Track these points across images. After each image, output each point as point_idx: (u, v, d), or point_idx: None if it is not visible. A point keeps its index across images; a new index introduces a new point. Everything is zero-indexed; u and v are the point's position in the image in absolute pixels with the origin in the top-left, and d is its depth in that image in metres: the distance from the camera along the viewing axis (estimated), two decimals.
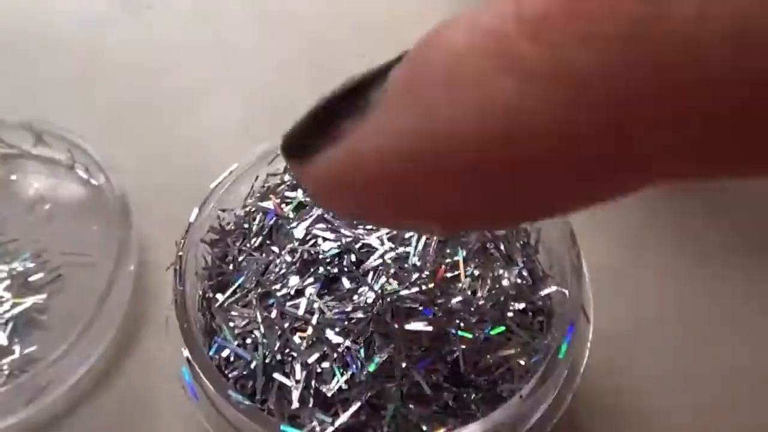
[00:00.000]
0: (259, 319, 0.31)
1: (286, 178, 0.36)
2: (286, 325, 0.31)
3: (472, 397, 0.30)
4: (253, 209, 0.35)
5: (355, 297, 0.32)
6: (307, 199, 0.34)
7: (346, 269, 0.33)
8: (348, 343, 0.30)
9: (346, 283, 0.33)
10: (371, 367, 0.29)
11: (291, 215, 0.34)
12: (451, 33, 0.16)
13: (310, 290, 0.32)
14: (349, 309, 0.31)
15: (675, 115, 0.14)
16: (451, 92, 0.16)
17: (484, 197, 0.17)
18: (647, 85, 0.14)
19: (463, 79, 0.16)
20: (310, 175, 0.20)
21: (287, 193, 0.35)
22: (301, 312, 0.31)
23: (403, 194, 0.18)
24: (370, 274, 0.33)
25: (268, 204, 0.35)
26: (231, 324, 0.31)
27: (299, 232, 0.33)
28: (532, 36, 0.15)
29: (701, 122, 0.14)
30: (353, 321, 0.31)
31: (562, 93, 0.14)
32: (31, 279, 0.41)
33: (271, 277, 0.32)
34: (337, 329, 0.31)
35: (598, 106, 0.14)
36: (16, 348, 0.38)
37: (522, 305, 0.32)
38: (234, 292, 0.32)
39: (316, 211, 0.34)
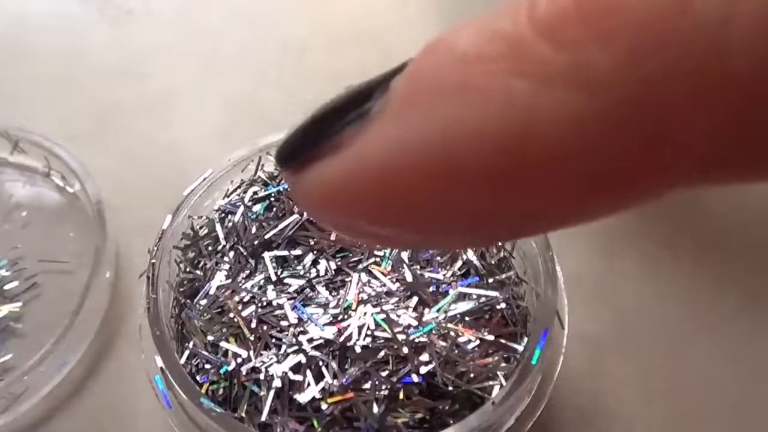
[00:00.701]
0: (232, 326, 0.31)
1: (258, 175, 0.36)
2: (260, 332, 0.31)
3: (447, 408, 0.30)
4: (223, 212, 0.35)
5: (332, 304, 0.32)
6: (279, 199, 0.35)
7: (321, 278, 0.33)
8: (323, 354, 0.30)
9: (323, 291, 0.33)
10: (345, 380, 0.29)
11: (261, 214, 0.34)
12: (456, 39, 0.16)
13: (286, 298, 0.32)
14: (324, 322, 0.31)
15: (694, 115, 0.13)
16: (463, 99, 0.15)
17: (496, 205, 0.16)
18: (666, 84, 0.13)
19: (475, 86, 0.15)
20: (306, 185, 0.19)
21: (259, 194, 0.35)
22: (274, 311, 0.31)
23: (408, 205, 0.17)
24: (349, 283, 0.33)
25: (238, 206, 0.35)
26: (203, 331, 0.31)
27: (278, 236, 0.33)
28: (546, 37, 0.14)
29: (721, 120, 0.13)
30: (329, 332, 0.31)
31: (581, 94, 0.14)
32: (6, 287, 0.40)
33: (241, 283, 0.32)
34: (313, 340, 0.31)
35: (619, 107, 0.14)
36: None
37: (499, 312, 0.32)
38: (206, 299, 0.32)
39: (292, 217, 0.34)
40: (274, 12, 0.56)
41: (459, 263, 0.33)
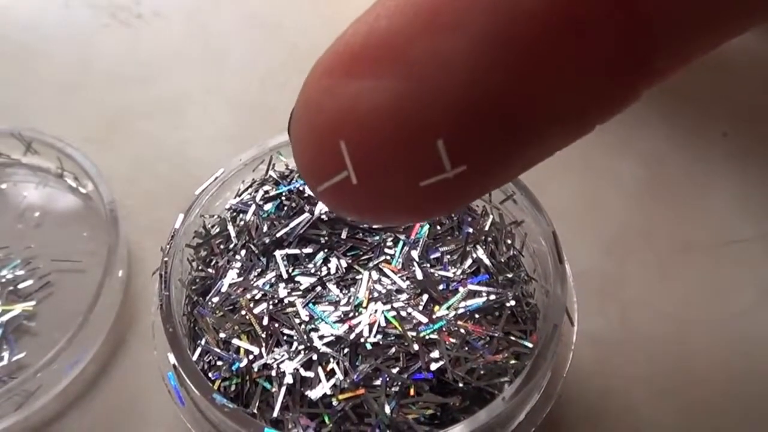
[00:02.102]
0: (244, 323, 0.31)
1: (269, 175, 0.37)
2: (271, 329, 0.31)
3: (457, 404, 0.30)
4: (235, 211, 0.35)
5: (343, 302, 0.32)
6: (290, 198, 0.35)
7: (332, 276, 0.33)
8: (334, 351, 0.31)
9: (334, 289, 0.33)
10: (356, 376, 0.30)
11: (272, 213, 0.35)
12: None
13: (296, 294, 0.33)
14: (335, 319, 0.32)
15: None
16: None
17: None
18: None
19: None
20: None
21: (271, 193, 0.35)
22: (287, 311, 0.32)
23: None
24: (359, 282, 0.33)
25: (250, 205, 0.35)
26: (216, 328, 0.31)
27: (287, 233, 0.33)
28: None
29: None
30: (340, 329, 0.31)
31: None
32: (20, 286, 0.41)
33: (252, 281, 0.33)
34: (324, 337, 0.31)
35: None
36: (5, 354, 0.38)
37: (508, 309, 0.32)
38: (218, 296, 0.33)
39: (303, 217, 0.34)
40: (282, 15, 0.57)
41: (469, 261, 0.34)
